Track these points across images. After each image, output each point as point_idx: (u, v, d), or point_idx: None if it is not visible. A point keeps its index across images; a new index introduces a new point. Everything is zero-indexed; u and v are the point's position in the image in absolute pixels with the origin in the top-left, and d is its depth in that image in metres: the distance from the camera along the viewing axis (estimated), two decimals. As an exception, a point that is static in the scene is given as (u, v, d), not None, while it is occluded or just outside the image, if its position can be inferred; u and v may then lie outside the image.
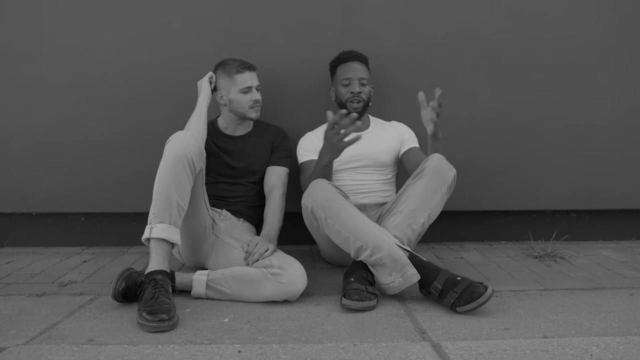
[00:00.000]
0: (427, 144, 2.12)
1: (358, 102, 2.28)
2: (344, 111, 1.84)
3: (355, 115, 1.84)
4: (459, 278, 1.73)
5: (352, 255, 1.88)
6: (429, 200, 1.94)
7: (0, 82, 2.57)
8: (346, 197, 1.99)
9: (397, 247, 1.81)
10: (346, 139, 1.87)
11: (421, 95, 2.02)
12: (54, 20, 2.54)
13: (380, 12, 2.57)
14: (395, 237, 1.88)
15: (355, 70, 2.30)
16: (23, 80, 2.56)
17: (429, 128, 2.05)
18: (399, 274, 1.78)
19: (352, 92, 2.27)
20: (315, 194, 1.92)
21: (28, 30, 2.54)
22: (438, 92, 1.92)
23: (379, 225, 2.03)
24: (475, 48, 2.59)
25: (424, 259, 1.85)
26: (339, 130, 1.86)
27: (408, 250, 1.85)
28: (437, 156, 1.99)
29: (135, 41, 2.56)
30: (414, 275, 1.78)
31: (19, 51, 2.55)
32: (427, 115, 2.02)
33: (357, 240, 1.83)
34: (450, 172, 1.97)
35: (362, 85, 2.30)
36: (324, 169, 2.01)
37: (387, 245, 1.80)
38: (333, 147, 1.89)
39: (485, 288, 1.67)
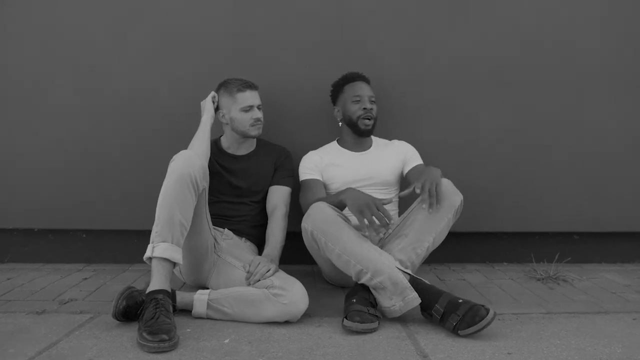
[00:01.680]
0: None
1: (369, 119, 2.30)
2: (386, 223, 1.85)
3: (389, 225, 1.86)
4: (460, 301, 1.72)
5: (353, 278, 1.88)
6: (435, 225, 1.95)
7: (5, 102, 2.59)
8: (346, 219, 1.98)
9: (398, 270, 1.81)
10: (369, 224, 1.86)
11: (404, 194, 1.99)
12: (60, 38, 2.57)
13: (384, 34, 2.59)
14: (400, 260, 1.88)
15: (364, 88, 2.33)
16: (27, 100, 2.58)
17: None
18: (400, 298, 1.77)
19: (364, 108, 2.29)
20: (315, 217, 1.92)
21: (32, 50, 2.57)
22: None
23: (383, 246, 2.02)
24: (478, 71, 2.61)
25: (426, 281, 1.84)
26: (373, 219, 1.85)
27: (409, 274, 1.84)
28: (445, 181, 1.99)
29: (139, 59, 2.58)
30: (414, 299, 1.77)
31: (24, 72, 2.57)
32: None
33: (358, 264, 1.83)
34: (458, 197, 1.98)
35: (372, 102, 2.32)
36: (336, 204, 2.01)
37: (387, 269, 1.80)
38: (360, 210, 1.87)
39: (487, 311, 1.66)
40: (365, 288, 1.85)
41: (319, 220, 1.91)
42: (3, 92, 2.59)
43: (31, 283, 2.32)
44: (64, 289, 2.24)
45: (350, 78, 2.38)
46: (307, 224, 1.94)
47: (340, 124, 2.41)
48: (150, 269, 1.76)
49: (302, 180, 2.33)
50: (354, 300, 1.80)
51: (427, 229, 1.94)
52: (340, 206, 2.02)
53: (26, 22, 2.57)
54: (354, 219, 2.24)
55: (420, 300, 1.77)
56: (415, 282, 1.81)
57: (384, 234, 1.96)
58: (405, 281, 1.79)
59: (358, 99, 2.31)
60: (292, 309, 1.77)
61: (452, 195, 1.97)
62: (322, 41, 2.58)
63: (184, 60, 2.58)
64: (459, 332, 1.67)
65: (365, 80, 2.38)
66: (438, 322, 1.75)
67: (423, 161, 2.39)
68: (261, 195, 2.30)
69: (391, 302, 1.79)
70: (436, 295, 1.77)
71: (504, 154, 2.64)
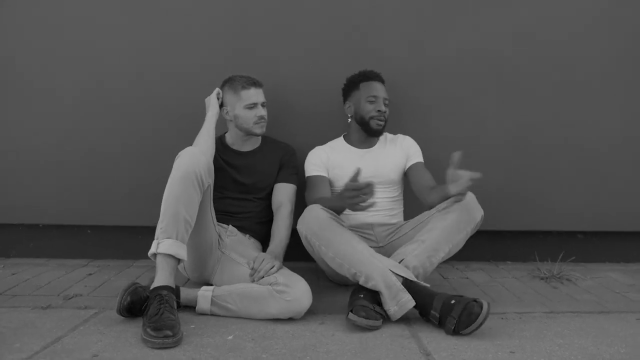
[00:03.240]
0: (441, 187, 2.04)
1: (382, 121, 2.28)
2: (370, 182, 1.76)
3: (372, 183, 1.75)
4: (453, 301, 1.71)
5: (351, 280, 1.89)
6: (453, 237, 1.94)
7: (10, 99, 2.60)
8: (340, 221, 1.97)
9: (391, 273, 1.80)
10: (363, 204, 1.80)
11: (455, 156, 1.89)
12: (62, 37, 2.58)
13: (388, 31, 2.59)
14: (414, 266, 1.88)
15: (380, 89, 2.31)
16: (33, 97, 2.59)
17: (454, 189, 1.89)
18: (394, 302, 1.77)
19: (379, 110, 2.27)
20: (309, 221, 1.92)
21: (36, 48, 2.58)
22: (476, 175, 1.84)
23: (396, 249, 2.02)
24: (483, 69, 2.61)
25: (421, 282, 1.83)
26: (357, 195, 1.77)
27: (402, 276, 1.82)
28: (470, 195, 1.98)
29: (143, 57, 2.59)
30: (408, 302, 1.77)
31: (28, 69, 2.59)
32: (457, 179, 1.88)
33: (351, 267, 1.84)
34: (479, 213, 1.97)
35: (386, 105, 2.31)
36: (337, 210, 2.00)
37: (379, 272, 1.79)
38: (349, 205, 1.84)
39: (481, 306, 1.65)
40: (372, 286, 1.85)
41: (312, 224, 1.91)
42: (5, 90, 2.60)
43: (36, 278, 2.33)
44: (69, 284, 2.25)
45: (368, 76, 2.34)
46: (302, 227, 1.95)
47: (349, 119, 2.40)
48: (155, 265, 1.76)
49: (308, 177, 2.33)
50: (361, 296, 1.80)
51: (445, 240, 1.93)
52: (341, 210, 2.01)
53: (26, 20, 2.58)
54: (361, 216, 2.24)
55: (414, 303, 1.77)
56: (409, 285, 1.81)
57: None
58: (398, 284, 1.78)
59: (373, 99, 2.28)
60: (295, 305, 1.77)
61: (474, 211, 1.96)
62: (326, 39, 2.58)
63: (188, 58, 2.58)
64: (460, 332, 1.67)
65: (382, 80, 2.35)
66: (437, 326, 1.75)
67: (429, 156, 2.39)
68: (265, 192, 2.31)
69: (387, 307, 1.79)
70: (430, 298, 1.76)
71: (508, 153, 2.63)
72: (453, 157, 1.90)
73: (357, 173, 1.79)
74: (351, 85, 2.38)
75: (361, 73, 2.37)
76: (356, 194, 1.77)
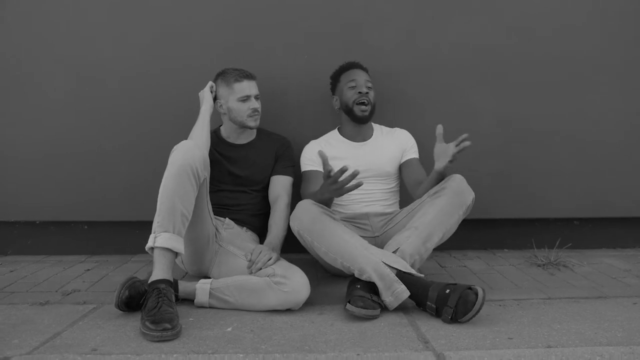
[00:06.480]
0: (430, 174, 2.10)
1: (366, 105, 2.26)
2: (345, 167, 1.77)
3: (357, 172, 1.78)
4: (447, 291, 1.71)
5: (347, 272, 1.89)
6: (446, 221, 1.94)
7: (7, 95, 2.59)
8: (332, 215, 1.98)
9: (384, 265, 1.80)
10: (347, 186, 1.82)
11: (439, 129, 2.00)
12: (57, 34, 2.57)
13: (384, 25, 2.58)
14: (410, 254, 1.88)
15: (360, 74, 2.31)
16: (28, 93, 2.59)
17: (440, 164, 2.00)
18: (389, 292, 1.77)
19: (359, 92, 2.25)
20: (301, 217, 1.93)
21: (32, 43, 2.57)
22: (464, 136, 1.91)
23: (390, 237, 2.02)
24: (478, 59, 2.61)
25: (415, 273, 1.83)
26: (337, 180, 1.80)
27: (395, 268, 1.82)
28: (459, 177, 1.98)
29: (138, 53, 2.58)
30: (403, 292, 1.77)
31: (24, 65, 2.58)
32: (442, 151, 1.99)
33: (344, 261, 1.85)
34: (470, 195, 1.97)
35: (368, 88, 2.29)
36: (326, 202, 2.00)
37: (372, 265, 1.80)
38: (333, 192, 1.87)
39: (476, 293, 1.66)
40: (369, 276, 1.86)
41: (304, 220, 1.92)
42: (3, 87, 2.59)
43: (34, 275, 2.33)
44: (67, 280, 2.25)
45: (347, 67, 2.36)
46: (294, 223, 1.95)
47: (339, 113, 2.40)
48: (152, 259, 1.76)
49: (303, 172, 2.33)
50: (358, 286, 1.81)
51: (438, 224, 1.93)
52: (330, 202, 2.02)
53: (25, 17, 2.56)
54: (357, 207, 2.24)
55: (409, 293, 1.77)
56: (403, 276, 1.80)
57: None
58: (392, 275, 1.78)
59: (354, 84, 2.28)
60: (293, 297, 1.78)
61: (465, 193, 1.96)
62: (320, 32, 2.58)
63: (182, 53, 2.57)
64: (458, 321, 1.68)
65: (362, 67, 2.36)
66: (434, 316, 1.75)
67: (425, 149, 2.38)
68: (261, 185, 2.31)
69: (383, 297, 1.79)
70: (424, 289, 1.76)
71: (505, 141, 2.64)
72: (437, 130, 1.97)
73: (324, 158, 1.80)
74: (334, 79, 2.40)
75: (340, 66, 2.39)
76: (333, 180, 1.80)
